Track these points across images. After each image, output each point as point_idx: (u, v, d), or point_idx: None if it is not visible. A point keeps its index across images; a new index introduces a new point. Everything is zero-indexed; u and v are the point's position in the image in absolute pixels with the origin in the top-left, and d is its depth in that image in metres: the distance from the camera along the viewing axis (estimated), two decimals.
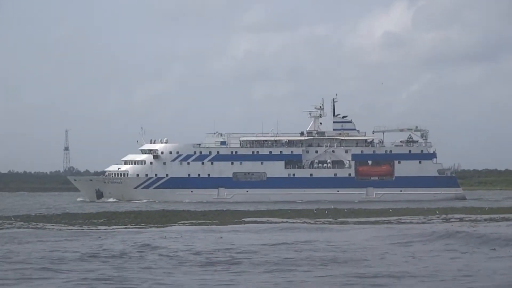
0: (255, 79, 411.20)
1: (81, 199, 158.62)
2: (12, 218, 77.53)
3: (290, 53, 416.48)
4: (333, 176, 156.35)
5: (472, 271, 35.03)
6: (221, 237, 53.69)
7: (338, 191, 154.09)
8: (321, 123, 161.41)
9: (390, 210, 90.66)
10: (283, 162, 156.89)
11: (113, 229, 65.21)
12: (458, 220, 70.10)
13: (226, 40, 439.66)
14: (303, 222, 70.11)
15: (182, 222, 72.81)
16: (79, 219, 78.83)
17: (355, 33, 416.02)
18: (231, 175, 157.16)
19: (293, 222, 70.19)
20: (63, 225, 70.41)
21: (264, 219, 75.39)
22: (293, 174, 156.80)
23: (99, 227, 68.01)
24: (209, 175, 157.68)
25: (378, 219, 73.92)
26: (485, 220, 69.85)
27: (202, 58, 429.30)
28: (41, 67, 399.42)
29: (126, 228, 66.65)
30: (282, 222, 71.00)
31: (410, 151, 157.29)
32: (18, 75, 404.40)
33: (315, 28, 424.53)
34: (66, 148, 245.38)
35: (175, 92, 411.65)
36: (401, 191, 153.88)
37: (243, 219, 75.86)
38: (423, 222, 67.60)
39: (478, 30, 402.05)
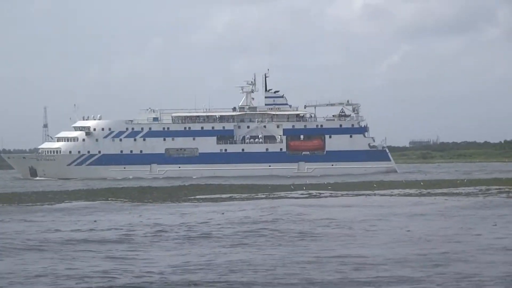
0: (234, 52, 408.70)
1: (15, 175, 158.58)
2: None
3: (270, 26, 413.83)
4: (265, 151, 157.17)
5: None
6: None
7: (270, 166, 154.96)
8: (253, 98, 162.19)
9: (403, 181, 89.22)
10: (215, 137, 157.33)
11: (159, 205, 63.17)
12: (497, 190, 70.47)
13: (206, 12, 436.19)
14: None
15: (196, 197, 71.01)
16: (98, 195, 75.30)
17: (335, 5, 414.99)
18: (163, 151, 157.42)
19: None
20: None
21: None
22: (225, 150, 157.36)
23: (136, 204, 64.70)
24: (141, 151, 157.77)
25: (412, 191, 74.03)
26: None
27: (181, 30, 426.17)
28: (17, 41, 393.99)
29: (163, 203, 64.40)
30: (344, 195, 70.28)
31: (341, 125, 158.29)
32: None
33: (295, 0, 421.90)
34: (45, 125, 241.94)
35: (153, 66, 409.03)
36: (332, 165, 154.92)
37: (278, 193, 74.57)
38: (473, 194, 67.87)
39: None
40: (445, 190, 73.61)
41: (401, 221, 45.91)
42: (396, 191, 74.39)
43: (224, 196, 72.07)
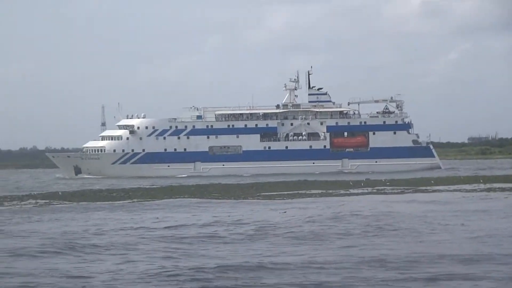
0: (290, 50, 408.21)
1: (59, 175, 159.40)
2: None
3: (326, 24, 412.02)
4: (308, 148, 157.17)
5: None
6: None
7: (313, 163, 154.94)
8: (296, 96, 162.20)
9: (481, 180, 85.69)
10: (259, 135, 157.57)
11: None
12: None
13: (262, 11, 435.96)
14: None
15: (256, 194, 71.05)
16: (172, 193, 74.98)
17: (392, 3, 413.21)
18: (207, 149, 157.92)
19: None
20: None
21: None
22: (269, 147, 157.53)
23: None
24: (185, 149, 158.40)
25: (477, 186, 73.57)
26: None
27: (238, 29, 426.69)
28: (76, 44, 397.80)
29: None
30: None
31: (384, 122, 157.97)
32: (52, 53, 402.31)
33: None
34: (103, 124, 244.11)
35: (209, 64, 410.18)
36: (376, 162, 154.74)
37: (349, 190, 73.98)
38: None
39: None
40: (504, 186, 73.07)
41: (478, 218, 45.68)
42: (453, 187, 73.98)
43: (283, 193, 71.79)
